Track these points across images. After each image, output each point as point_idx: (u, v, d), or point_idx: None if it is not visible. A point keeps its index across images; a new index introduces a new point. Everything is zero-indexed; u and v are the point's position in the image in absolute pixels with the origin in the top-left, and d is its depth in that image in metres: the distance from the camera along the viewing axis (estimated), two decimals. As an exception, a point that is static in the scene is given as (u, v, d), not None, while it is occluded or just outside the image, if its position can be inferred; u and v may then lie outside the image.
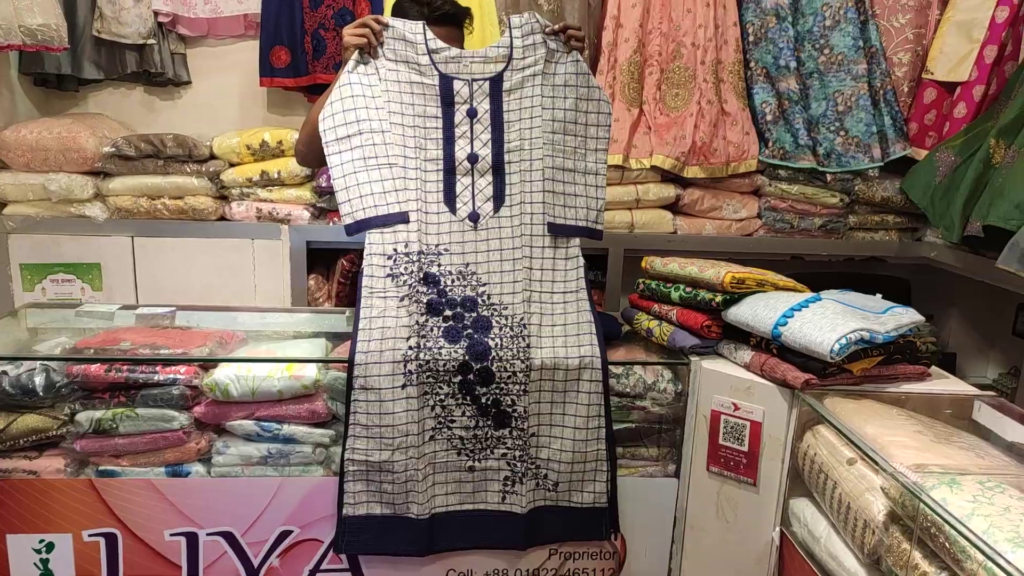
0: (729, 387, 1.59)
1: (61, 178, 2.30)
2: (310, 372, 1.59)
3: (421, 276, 1.62)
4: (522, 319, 1.61)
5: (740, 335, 1.64)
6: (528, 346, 1.59)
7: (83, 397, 1.56)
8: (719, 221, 2.61)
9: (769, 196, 2.61)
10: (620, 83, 2.58)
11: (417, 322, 1.58)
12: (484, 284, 1.64)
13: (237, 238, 2.41)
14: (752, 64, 2.61)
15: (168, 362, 1.56)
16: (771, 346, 1.55)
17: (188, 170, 2.37)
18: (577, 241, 1.70)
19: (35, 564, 1.56)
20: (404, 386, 1.54)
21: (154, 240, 2.38)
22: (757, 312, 1.55)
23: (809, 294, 1.61)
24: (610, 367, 1.65)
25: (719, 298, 1.63)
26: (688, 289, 1.71)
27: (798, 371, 1.48)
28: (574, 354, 1.60)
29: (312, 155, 1.72)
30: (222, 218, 2.44)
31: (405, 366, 1.54)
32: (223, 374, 1.56)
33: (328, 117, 1.67)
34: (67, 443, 1.56)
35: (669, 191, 2.55)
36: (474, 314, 1.62)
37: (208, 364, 1.60)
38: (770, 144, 2.58)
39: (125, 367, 1.55)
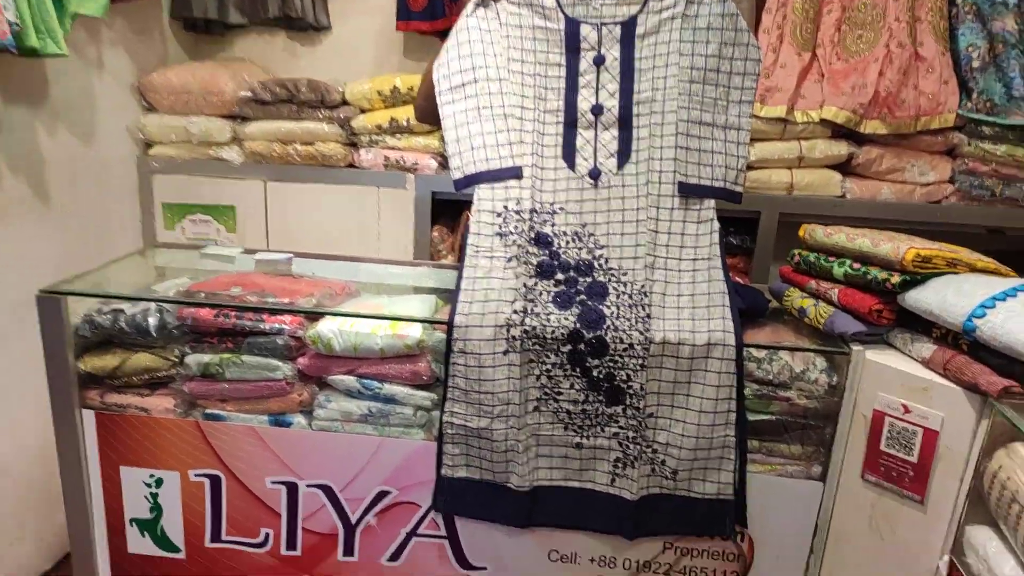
0: (899, 385, 1.30)
1: (201, 121, 2.34)
2: (414, 331, 1.48)
3: (532, 236, 1.46)
4: (643, 287, 1.41)
5: (919, 324, 1.34)
6: (648, 316, 1.39)
7: (193, 340, 1.55)
8: (900, 185, 2.23)
9: (967, 157, 2.19)
10: (791, 23, 2.25)
11: (525, 285, 1.42)
12: (602, 247, 1.45)
13: (364, 185, 2.36)
14: (959, -1, 2.19)
15: (273, 311, 1.51)
16: (960, 341, 1.25)
17: (320, 116, 2.33)
18: (712, 203, 1.47)
19: (146, 497, 1.59)
20: (506, 352, 1.39)
21: (285, 185, 2.38)
22: (946, 298, 1.25)
23: (1018, 280, 1.28)
24: (750, 349, 1.41)
25: (896, 278, 1.34)
26: (856, 265, 1.42)
27: (995, 375, 1.18)
28: (702, 328, 1.38)
29: (430, 109, 1.56)
30: (351, 165, 2.40)
31: (508, 331, 1.39)
32: (326, 327, 1.48)
33: (443, 64, 1.53)
34: (177, 384, 1.56)
35: (840, 148, 2.20)
36: (589, 279, 1.44)
37: (313, 315, 1.54)
38: (974, 95, 2.16)
39: (233, 313, 1.51)
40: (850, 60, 2.22)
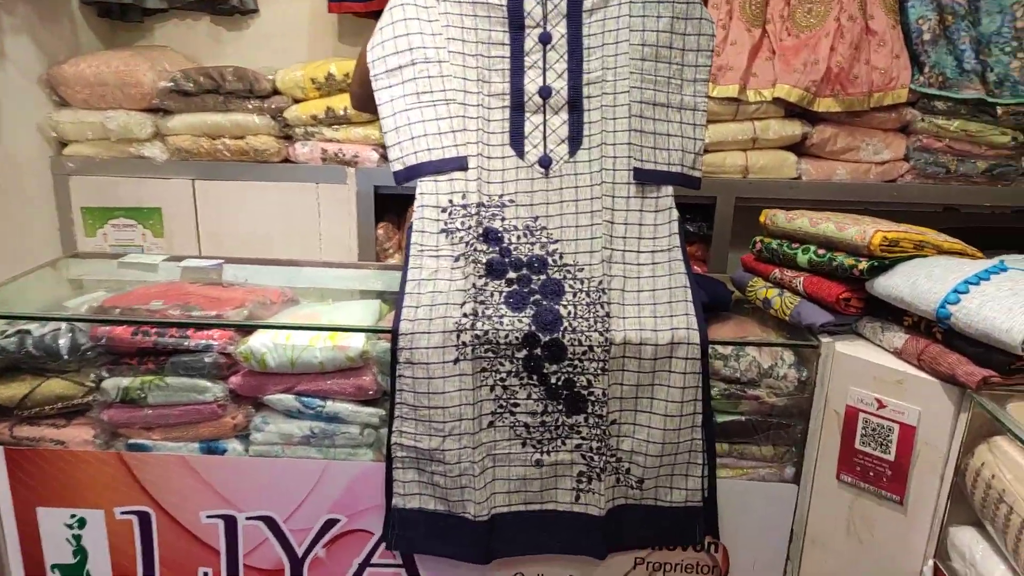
0: (872, 378, 1.24)
1: (119, 115, 2.16)
2: (357, 342, 1.36)
3: (481, 232, 1.35)
4: (601, 283, 1.32)
5: (889, 312, 1.28)
6: (608, 315, 1.30)
7: (110, 362, 1.40)
8: (854, 164, 2.18)
9: (921, 134, 2.15)
10: (739, -2, 2.17)
11: (474, 286, 1.32)
12: (556, 241, 1.35)
13: (301, 182, 2.21)
14: (907, -31, 2.13)
15: (199, 326, 1.37)
16: (934, 329, 1.19)
17: (249, 107, 2.17)
18: (670, 190, 1.38)
19: (67, 540, 1.44)
20: (456, 361, 1.28)
21: (215, 183, 2.21)
22: (916, 283, 1.18)
23: (989, 262, 1.22)
24: (715, 346, 1.33)
25: (864, 264, 1.26)
26: (821, 251, 1.35)
27: (972, 364, 1.12)
28: (665, 326, 1.30)
29: (366, 96, 1.42)
30: (286, 160, 2.24)
31: (458, 337, 1.28)
32: (259, 341, 1.35)
33: (376, 45, 1.40)
34: (95, 412, 1.41)
35: (794, 128, 2.13)
36: (543, 276, 1.34)
37: (245, 329, 1.40)
38: (926, 69, 2.11)
39: (153, 330, 1.37)
40: (800, 35, 2.15)
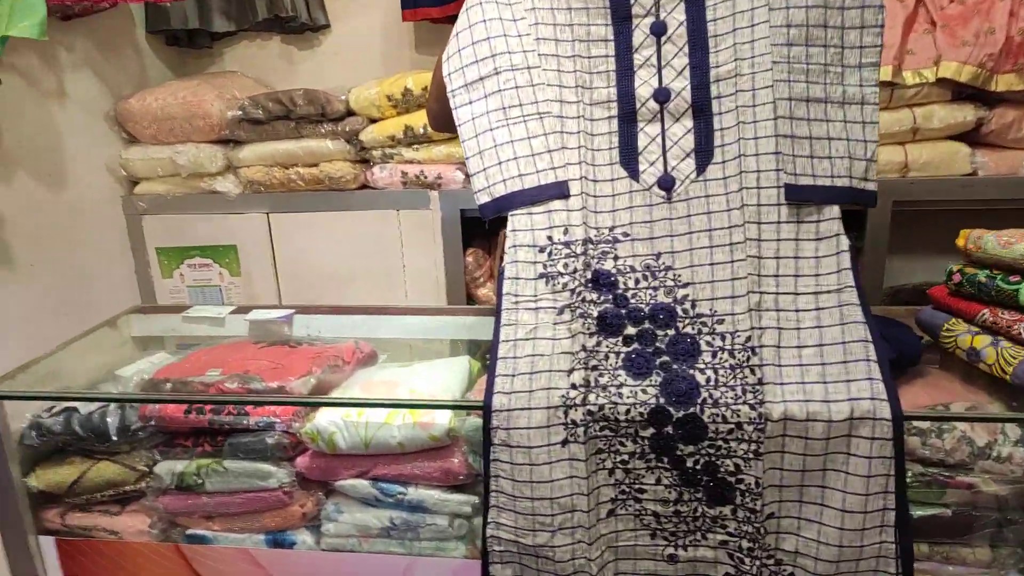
0: None
1: (189, 149, 2.01)
2: (442, 418, 1.11)
3: (589, 276, 1.08)
4: (749, 339, 1.01)
5: None
6: (760, 381, 0.99)
7: (163, 443, 1.22)
8: (1044, 153, 1.76)
9: None
10: (884, -39, 1.80)
11: (584, 347, 1.04)
12: (686, 285, 1.06)
13: (380, 209, 2.00)
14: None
15: (258, 403, 1.16)
16: None
17: (322, 131, 1.98)
18: (835, 211, 1.06)
19: (127, 642, 1.27)
20: (565, 443, 1.01)
21: (290, 216, 2.03)
22: None
23: None
24: (907, 420, 1.01)
25: None
26: (1054, 286, 1.00)
27: None
28: (839, 395, 0.98)
29: (444, 114, 1.18)
30: (364, 186, 2.04)
31: (566, 414, 1.01)
32: (327, 419, 1.13)
33: (453, 55, 1.15)
34: (149, 499, 1.23)
35: (965, 114, 1.73)
36: (671, 331, 1.05)
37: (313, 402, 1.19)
38: None
39: (208, 408, 1.17)
40: (967, 0, 1.76)
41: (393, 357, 1.41)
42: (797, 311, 1.03)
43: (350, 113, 2.00)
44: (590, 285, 1.08)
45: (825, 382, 0.99)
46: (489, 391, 1.05)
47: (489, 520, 1.08)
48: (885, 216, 1.76)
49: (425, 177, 1.97)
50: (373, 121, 2.00)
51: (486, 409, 1.04)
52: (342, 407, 1.12)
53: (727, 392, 1.00)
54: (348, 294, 2.05)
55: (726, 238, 1.06)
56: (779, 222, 1.05)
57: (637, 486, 1.05)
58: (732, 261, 1.05)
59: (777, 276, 1.04)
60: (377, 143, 1.98)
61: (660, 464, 1.03)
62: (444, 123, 1.23)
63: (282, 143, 1.99)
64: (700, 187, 1.09)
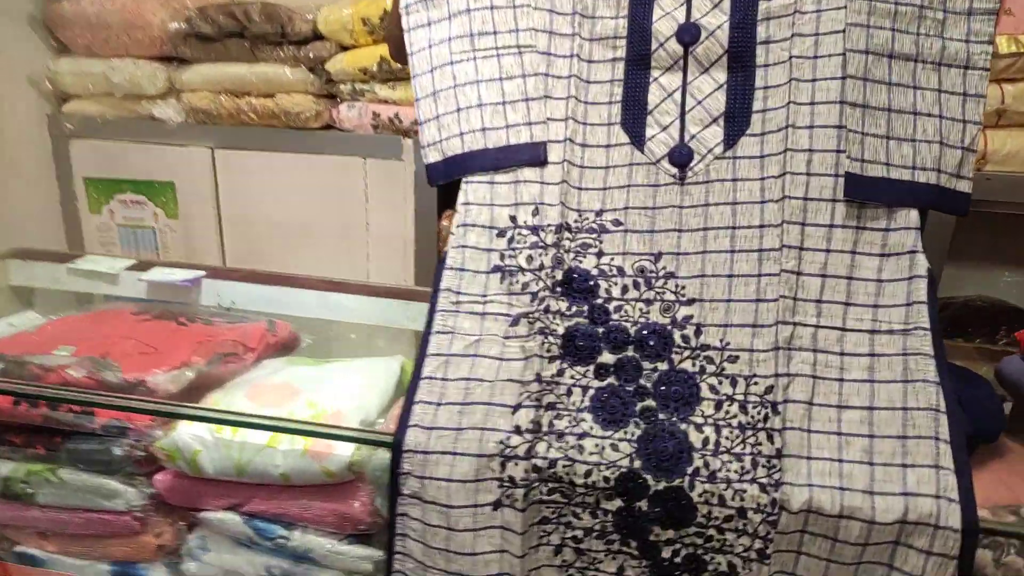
0: None
1: (126, 65, 1.69)
2: (343, 447, 0.82)
3: (560, 277, 0.78)
4: (770, 389, 0.71)
5: None
6: (780, 454, 0.69)
7: (-11, 436, 0.94)
8: None
9: None
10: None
11: (539, 375, 0.75)
12: (691, 302, 0.76)
13: (345, 155, 1.69)
14: None
15: (91, 404, 0.87)
16: None
17: (281, 55, 1.65)
18: (912, 219, 0.75)
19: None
20: (498, 507, 0.73)
21: (238, 153, 1.72)
22: None
23: None
24: (984, 521, 0.71)
25: None
26: None
27: None
28: (891, 487, 0.68)
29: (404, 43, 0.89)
30: (327, 126, 1.72)
31: (503, 467, 0.72)
32: (190, 433, 0.84)
33: None
34: (-29, 505, 0.96)
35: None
36: (663, 365, 0.75)
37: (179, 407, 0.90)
38: None
39: (42, 401, 0.89)
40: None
41: (315, 347, 1.12)
42: (842, 355, 0.73)
43: (317, 36, 1.67)
44: (560, 289, 0.78)
45: (872, 463, 0.69)
46: (403, 422, 0.76)
47: (393, 587, 0.80)
48: (947, 220, 1.43)
49: (400, 122, 1.66)
50: (344, 49, 1.68)
51: (395, 447, 0.75)
52: (204, 421, 0.83)
53: (731, 463, 0.70)
54: (300, 252, 1.76)
55: (754, 241, 0.76)
56: (831, 225, 0.75)
57: (591, 573, 0.76)
58: (760, 275, 0.75)
59: (820, 303, 0.74)
60: (346, 76, 1.66)
61: (625, 549, 0.74)
62: (403, 52, 0.92)
63: (233, 66, 1.67)
64: (727, 167, 0.78)
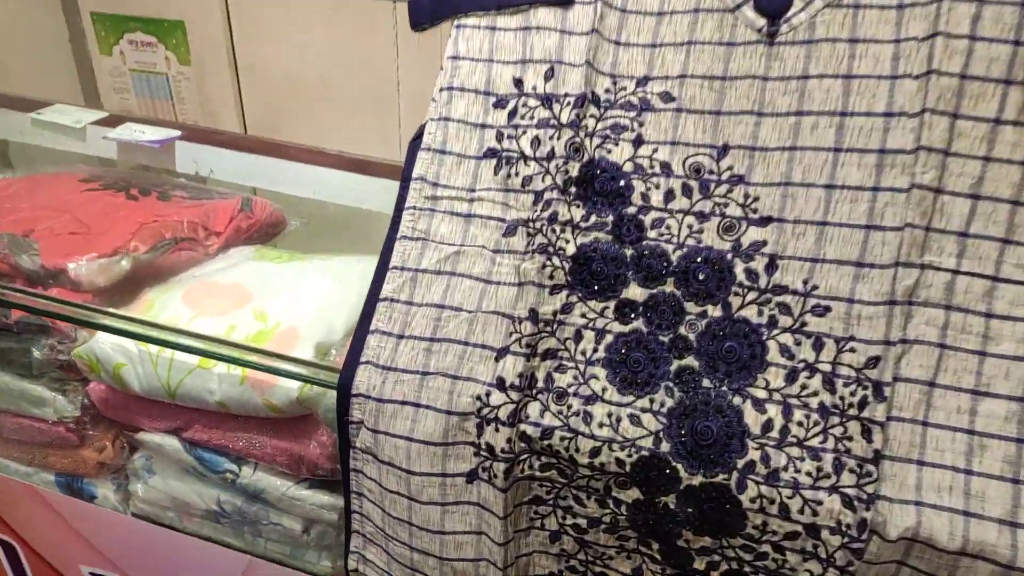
0: None
1: None
2: (293, 368, 0.64)
3: (576, 172, 0.55)
4: (875, 361, 0.48)
5: None
6: (879, 455, 0.47)
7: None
8: None
9: None
10: None
11: (534, 310, 0.54)
12: (766, 221, 0.51)
13: (373, -3, 1.42)
14: None
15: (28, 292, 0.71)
16: None
17: None
18: None
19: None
20: (473, 479, 0.54)
21: (253, -9, 1.48)
22: None
23: None
24: None
25: None
26: None
27: None
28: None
29: None
30: (353, -41, 1.45)
31: (480, 431, 0.53)
32: (110, 341, 0.68)
33: None
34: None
35: None
36: (715, 311, 0.52)
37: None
38: None
39: (-50, 282, 0.74)
40: None
41: (303, 237, 0.93)
42: (989, 317, 0.48)
43: None
44: (575, 190, 0.55)
45: (1018, 480, 0.47)
46: (353, 356, 0.57)
47: (352, 548, 0.64)
48: None
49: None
50: None
51: (341, 388, 0.57)
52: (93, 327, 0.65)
53: (803, 460, 0.49)
54: (323, 115, 1.54)
55: (875, 137, 0.50)
56: (998, 121, 0.48)
57: (599, 570, 0.58)
58: (876, 189, 0.50)
59: (965, 237, 0.48)
60: None
61: (644, 550, 0.55)
62: None
63: None
64: (843, 19, 0.51)
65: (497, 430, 0.53)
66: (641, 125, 0.54)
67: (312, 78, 1.52)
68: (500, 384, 0.53)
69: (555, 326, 0.54)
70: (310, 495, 0.69)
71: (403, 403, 0.55)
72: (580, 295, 0.54)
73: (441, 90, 0.59)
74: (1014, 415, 0.46)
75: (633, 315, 0.53)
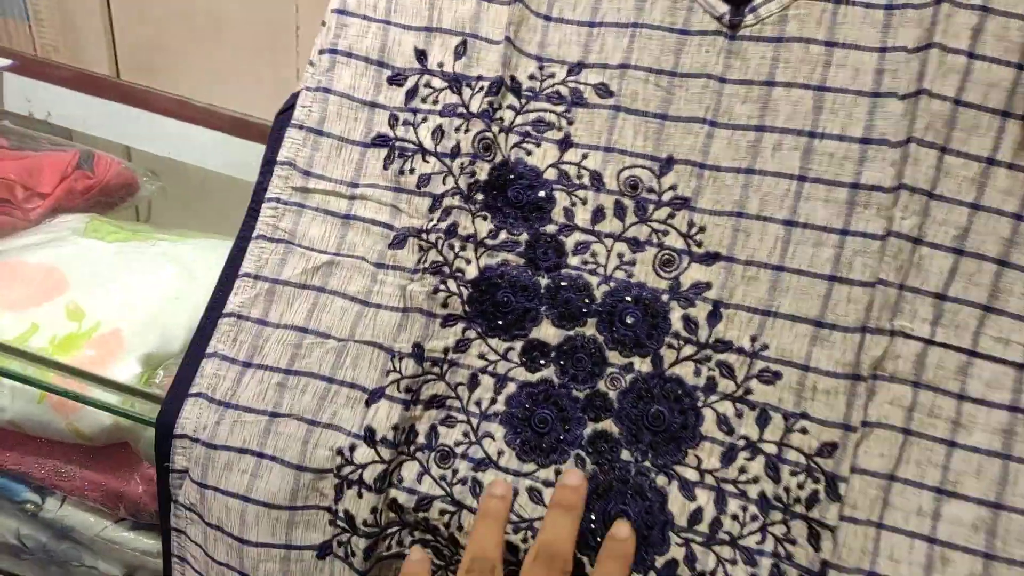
0: None
1: None
2: (101, 394, 0.50)
3: (481, 176, 0.44)
4: (830, 448, 0.39)
5: None
6: (825, 568, 0.37)
7: None
8: None
9: None
10: None
11: (419, 345, 0.42)
12: (711, 258, 0.42)
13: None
14: None
15: None
16: None
17: None
18: None
19: None
20: (324, 555, 0.42)
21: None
22: None
23: None
24: None
25: None
26: None
27: None
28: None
29: None
30: None
31: (337, 494, 0.41)
32: None
33: None
34: None
35: None
36: (643, 364, 0.41)
37: None
38: None
39: None
40: None
41: (159, 207, 0.78)
42: (962, 399, 0.39)
43: None
44: (482, 197, 0.44)
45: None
46: (181, 387, 0.44)
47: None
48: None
49: None
50: None
51: (161, 427, 0.44)
52: None
53: (735, 564, 0.39)
54: (213, 53, 1.35)
55: (848, 168, 0.41)
56: (991, 161, 0.40)
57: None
58: (846, 232, 0.40)
59: (943, 299, 0.40)
60: None
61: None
62: None
63: None
64: (819, 18, 0.41)
65: (360, 495, 0.41)
66: (570, 123, 0.43)
67: (200, 11, 1.32)
68: (369, 436, 0.41)
69: (445, 367, 0.43)
70: (131, 538, 0.55)
71: (242, 451, 0.42)
72: (480, 330, 0.43)
73: (322, 52, 0.46)
74: (983, 524, 0.38)
75: (543, 361, 0.43)
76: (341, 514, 0.42)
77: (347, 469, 0.41)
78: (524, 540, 0.40)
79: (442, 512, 0.41)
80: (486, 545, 0.38)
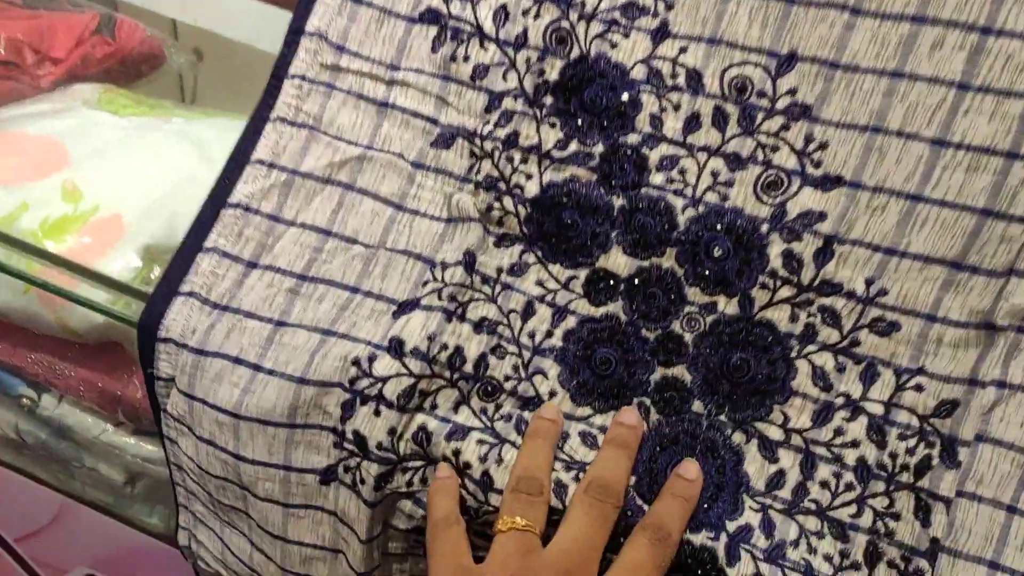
0: None
1: None
2: (96, 291, 0.44)
3: (552, 75, 0.35)
4: (949, 407, 0.31)
5: None
6: (934, 549, 0.30)
7: None
8: None
9: None
10: None
11: (471, 256, 0.36)
12: (831, 181, 0.33)
13: None
14: None
15: None
16: None
17: None
18: None
19: None
20: (328, 479, 0.36)
21: None
22: None
23: None
24: None
25: None
26: None
27: None
28: None
29: None
30: None
31: (347, 412, 0.35)
32: None
33: None
34: None
35: None
36: (728, 306, 0.34)
37: None
38: None
39: None
40: None
41: (174, 83, 0.70)
42: None
43: None
44: (551, 100, 0.35)
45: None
46: (169, 284, 0.38)
47: (181, 524, 0.48)
48: None
49: None
50: None
51: (143, 329, 0.38)
52: None
53: (823, 535, 0.33)
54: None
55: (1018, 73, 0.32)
56: None
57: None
58: (1014, 154, 0.32)
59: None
60: None
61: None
62: None
63: None
64: None
65: (377, 413, 0.35)
66: (669, 8, 0.35)
67: None
68: (395, 346, 0.35)
69: (497, 288, 0.36)
70: (132, 444, 0.51)
71: (236, 361, 0.37)
72: (539, 254, 0.36)
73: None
74: None
75: (610, 294, 0.36)
76: (350, 435, 0.36)
77: (363, 383, 0.35)
78: (576, 479, 0.34)
79: (480, 442, 0.35)
80: (533, 463, 0.33)
